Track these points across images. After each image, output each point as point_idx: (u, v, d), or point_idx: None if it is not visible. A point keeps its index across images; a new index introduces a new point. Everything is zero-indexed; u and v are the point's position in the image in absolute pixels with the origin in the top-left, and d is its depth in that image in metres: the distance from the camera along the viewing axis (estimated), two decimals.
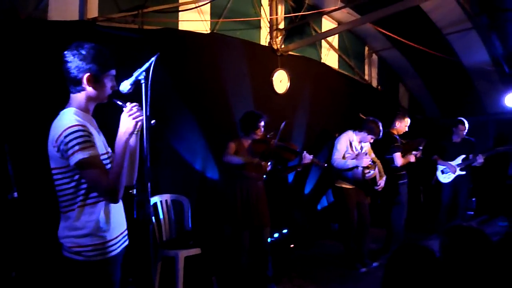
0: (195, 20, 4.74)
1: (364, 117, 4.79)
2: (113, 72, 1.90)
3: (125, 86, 1.86)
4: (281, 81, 5.63)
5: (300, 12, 5.64)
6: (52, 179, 1.84)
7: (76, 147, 1.70)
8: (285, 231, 4.82)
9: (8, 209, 2.83)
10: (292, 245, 4.80)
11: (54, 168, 1.81)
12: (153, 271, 3.65)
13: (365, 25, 5.88)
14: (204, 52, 4.80)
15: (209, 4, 4.84)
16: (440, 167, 5.68)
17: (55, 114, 1.85)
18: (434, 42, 6.27)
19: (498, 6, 5.98)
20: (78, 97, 1.87)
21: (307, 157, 4.01)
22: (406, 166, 5.02)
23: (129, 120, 1.81)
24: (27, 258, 3.21)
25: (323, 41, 6.42)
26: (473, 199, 6.92)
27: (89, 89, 1.84)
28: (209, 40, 4.86)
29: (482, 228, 1.85)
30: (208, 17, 4.91)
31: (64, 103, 1.89)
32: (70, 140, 1.71)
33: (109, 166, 1.88)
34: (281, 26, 5.62)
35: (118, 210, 1.97)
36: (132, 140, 1.97)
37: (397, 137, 5.03)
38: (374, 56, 7.65)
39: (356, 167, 4.51)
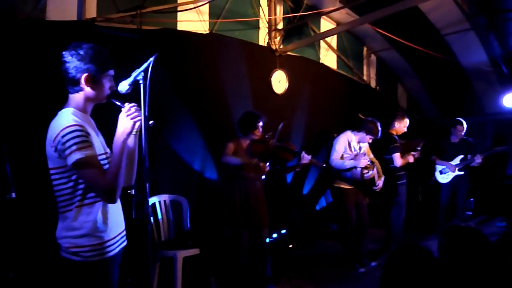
0: (193, 20, 4.74)
1: (363, 117, 4.79)
2: (112, 72, 1.90)
3: (124, 86, 1.85)
4: (279, 82, 5.63)
5: (298, 12, 5.64)
6: (50, 179, 1.84)
7: (74, 147, 1.70)
8: (283, 231, 4.83)
9: (6, 210, 2.82)
10: (290, 246, 4.80)
11: (52, 168, 1.81)
12: (152, 272, 3.65)
13: (363, 25, 5.88)
14: (203, 53, 4.80)
15: (207, 4, 4.84)
16: (439, 168, 5.68)
17: (54, 114, 1.85)
18: (433, 42, 6.28)
19: (496, 7, 6.00)
20: (76, 98, 1.87)
21: (306, 158, 4.01)
22: (404, 166, 5.03)
23: (127, 120, 1.81)
24: (25, 259, 3.21)
25: (321, 41, 6.42)
26: (471, 199, 6.93)
27: (87, 89, 1.84)
28: (208, 41, 4.86)
29: (480, 229, 1.85)
30: (206, 17, 4.90)
31: (62, 103, 1.89)
32: (68, 140, 1.71)
33: (107, 166, 1.88)
34: (280, 26, 5.63)
35: (116, 211, 1.97)
36: (131, 141, 1.96)
37: (396, 138, 5.04)
38: (373, 57, 7.66)
39: (355, 167, 4.51)
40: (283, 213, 5.32)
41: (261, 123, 3.91)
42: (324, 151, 5.82)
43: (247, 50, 5.26)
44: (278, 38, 5.59)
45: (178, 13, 4.64)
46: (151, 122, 1.84)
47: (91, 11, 3.94)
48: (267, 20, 5.56)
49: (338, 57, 6.82)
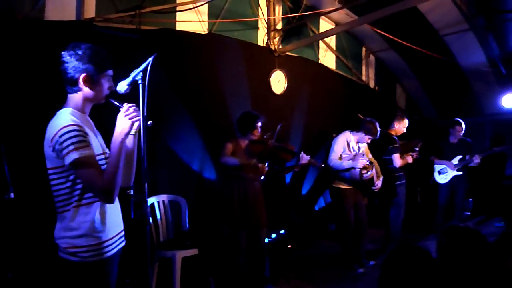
0: (192, 20, 4.74)
1: (363, 118, 4.80)
2: (110, 72, 1.90)
3: (122, 86, 1.85)
4: (278, 82, 5.64)
5: (297, 12, 5.64)
6: (48, 179, 1.84)
7: (71, 147, 1.70)
8: (282, 231, 4.83)
9: (4, 210, 2.81)
10: (289, 246, 4.80)
11: (50, 168, 1.81)
12: (150, 272, 3.65)
13: (362, 26, 5.89)
14: (202, 53, 4.80)
15: (206, 4, 4.84)
16: (437, 168, 5.69)
17: (52, 114, 1.85)
18: (431, 43, 6.29)
19: (495, 8, 6.01)
20: (75, 98, 1.87)
21: (305, 158, 4.01)
22: (403, 167, 5.04)
23: (125, 120, 1.81)
24: (24, 259, 3.20)
25: (320, 42, 6.43)
26: (470, 199, 6.94)
27: (86, 90, 1.84)
28: (207, 41, 4.86)
29: (479, 229, 1.85)
30: (205, 17, 4.90)
31: (61, 103, 1.89)
32: (65, 140, 1.71)
33: (105, 166, 1.88)
34: (279, 26, 5.63)
35: (114, 211, 1.96)
36: (130, 142, 1.96)
37: (396, 138, 5.05)
38: (372, 57, 7.67)
39: (353, 168, 4.51)
40: (282, 213, 5.32)
41: (259, 123, 3.91)
42: (323, 151, 5.82)
43: (246, 50, 5.26)
44: (277, 38, 5.59)
45: (177, 13, 4.64)
46: (149, 122, 1.83)
47: (90, 11, 3.94)
48: (266, 21, 5.56)
49: (337, 57, 6.82)
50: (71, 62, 1.79)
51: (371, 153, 4.89)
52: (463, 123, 5.55)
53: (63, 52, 1.81)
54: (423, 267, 1.56)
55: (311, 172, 6.04)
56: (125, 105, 1.84)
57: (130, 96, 1.88)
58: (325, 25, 6.35)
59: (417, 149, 5.14)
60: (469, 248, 1.77)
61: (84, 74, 1.81)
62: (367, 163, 4.53)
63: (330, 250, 5.44)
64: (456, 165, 5.53)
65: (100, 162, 1.83)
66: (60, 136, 1.71)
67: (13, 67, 3.37)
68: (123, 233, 2.04)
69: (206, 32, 4.91)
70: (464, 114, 6.33)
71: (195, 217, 4.27)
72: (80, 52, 1.80)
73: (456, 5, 5.46)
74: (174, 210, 4.08)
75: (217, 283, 3.94)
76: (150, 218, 3.80)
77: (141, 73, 1.83)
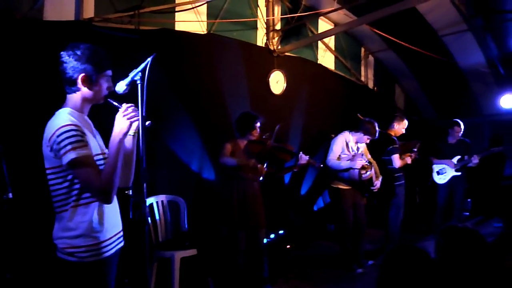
0: (191, 20, 4.74)
1: (362, 118, 4.80)
2: (109, 72, 1.90)
3: (121, 86, 1.85)
4: (277, 82, 5.64)
5: (296, 13, 5.65)
6: (46, 179, 1.84)
7: (68, 147, 1.70)
8: (281, 232, 4.82)
9: (3, 210, 2.81)
10: (288, 246, 4.79)
11: (48, 168, 1.81)
12: (149, 272, 3.64)
13: (361, 26, 5.89)
14: (201, 53, 4.80)
15: (205, 4, 4.84)
16: (436, 168, 5.70)
17: (51, 114, 1.85)
18: (430, 43, 6.30)
19: (493, 8, 6.01)
20: (74, 98, 1.87)
21: (303, 158, 4.01)
22: (402, 167, 5.04)
23: (123, 120, 1.81)
24: (22, 260, 3.20)
25: (319, 42, 6.43)
26: (469, 200, 6.95)
27: (84, 90, 1.84)
28: (206, 41, 4.86)
29: (477, 229, 1.85)
30: (204, 17, 4.90)
31: (60, 103, 1.89)
32: (62, 140, 1.71)
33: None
34: (278, 27, 5.63)
35: (113, 211, 1.96)
36: (129, 142, 1.96)
37: (396, 139, 5.05)
38: (371, 58, 7.67)
39: (351, 168, 4.51)
40: (281, 214, 5.32)
41: (258, 124, 3.91)
42: (322, 151, 5.82)
43: (245, 50, 5.26)
44: (276, 38, 5.59)
45: (176, 14, 4.64)
46: (148, 122, 1.83)
47: (89, 11, 3.93)
48: (265, 21, 5.56)
49: (335, 57, 6.82)
50: (69, 62, 1.80)
51: (371, 154, 4.89)
52: (461, 123, 5.56)
53: (62, 52, 1.81)
54: (421, 268, 1.56)
55: (310, 172, 6.04)
56: (124, 105, 1.83)
57: (129, 96, 1.88)
58: (324, 25, 6.36)
59: (415, 149, 5.15)
60: (468, 249, 1.77)
61: (83, 74, 1.81)
62: (366, 163, 4.53)
63: (329, 250, 5.44)
64: (454, 165, 5.54)
65: (98, 162, 1.82)
66: (58, 136, 1.71)
67: (11, 67, 3.36)
68: (121, 233, 2.04)
69: (205, 32, 4.91)
70: (463, 115, 6.34)
71: (194, 218, 4.27)
72: (78, 52, 1.80)
73: (454, 5, 5.46)
74: (173, 210, 4.08)
75: (216, 284, 3.94)
76: (149, 218, 3.80)
77: (140, 73, 1.83)
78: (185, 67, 4.62)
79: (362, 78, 7.49)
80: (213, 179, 4.81)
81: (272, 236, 4.67)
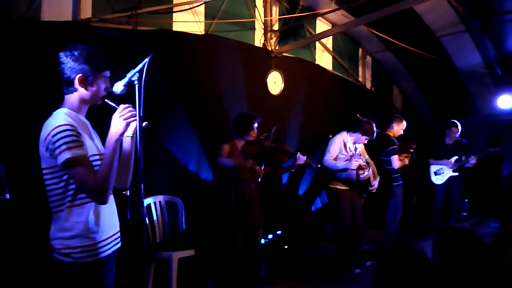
0: (189, 21, 4.73)
1: (361, 118, 4.81)
2: (107, 73, 1.90)
3: (118, 87, 1.85)
4: (275, 83, 5.64)
5: (294, 13, 5.65)
6: (43, 180, 1.83)
7: (63, 146, 1.70)
8: (279, 232, 4.82)
9: (0, 211, 2.80)
10: (286, 246, 4.79)
11: (44, 168, 1.81)
12: (147, 273, 3.64)
13: (359, 27, 5.91)
14: (198, 53, 4.79)
15: (203, 5, 4.84)
16: (433, 169, 5.71)
17: (48, 114, 1.85)
18: (428, 44, 6.31)
19: (491, 9, 6.03)
20: (71, 98, 1.87)
21: (301, 158, 4.02)
22: (400, 168, 5.05)
23: (119, 121, 1.81)
24: (19, 261, 3.18)
25: (317, 42, 6.43)
26: (466, 200, 6.97)
27: (82, 90, 1.84)
28: (203, 41, 4.85)
29: (475, 229, 1.86)
30: (202, 18, 4.90)
31: (58, 104, 1.89)
32: (58, 140, 1.71)
33: None
34: (275, 27, 5.63)
35: (110, 212, 1.96)
36: (127, 144, 1.96)
37: (395, 140, 5.06)
38: (368, 58, 7.69)
39: (347, 168, 4.52)
40: (279, 214, 5.32)
41: (256, 124, 3.91)
42: (319, 152, 5.82)
43: (242, 51, 5.26)
44: (274, 39, 5.59)
45: (174, 14, 4.63)
46: (144, 123, 1.83)
47: (86, 12, 3.93)
48: (263, 21, 5.56)
49: (333, 58, 6.83)
50: (67, 62, 1.80)
51: (369, 154, 4.90)
52: (459, 124, 5.58)
53: (60, 53, 1.82)
54: (418, 268, 1.56)
55: (308, 172, 6.04)
56: (121, 106, 1.83)
57: (127, 96, 1.87)
58: (321, 26, 6.36)
59: (412, 150, 5.17)
60: (465, 249, 1.78)
61: (80, 75, 1.81)
62: (364, 163, 4.54)
63: (327, 250, 5.45)
64: (452, 165, 5.55)
65: (95, 163, 1.82)
66: (53, 136, 1.71)
67: (8, 67, 3.35)
68: (119, 234, 2.03)
69: (203, 32, 4.90)
70: (460, 115, 6.36)
71: (192, 218, 4.27)
72: (76, 53, 1.80)
73: (452, 6, 5.48)
74: (170, 210, 4.07)
75: (213, 284, 3.94)
76: (147, 219, 3.81)
77: (137, 73, 1.83)
78: (183, 68, 4.62)
79: (360, 79, 7.51)
80: (211, 180, 4.81)
81: (270, 236, 4.66)
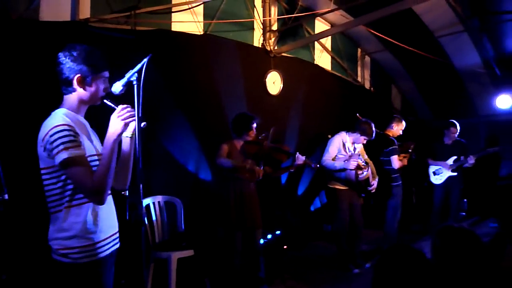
0: (188, 21, 4.73)
1: (361, 118, 4.81)
2: (106, 74, 1.90)
3: (117, 87, 1.85)
4: (274, 83, 5.64)
5: (293, 13, 5.65)
6: (41, 180, 1.83)
7: (61, 147, 1.70)
8: (278, 232, 4.83)
9: None
10: (285, 247, 4.80)
11: (43, 168, 1.81)
12: (146, 273, 3.64)
13: (358, 27, 5.91)
14: (197, 53, 4.79)
15: (202, 5, 4.83)
16: (432, 169, 5.72)
17: (47, 115, 1.85)
18: (426, 44, 6.32)
19: (489, 9, 6.04)
20: (70, 98, 1.87)
21: (300, 158, 4.02)
22: (400, 168, 5.06)
23: (117, 121, 1.81)
24: (18, 261, 3.18)
25: (316, 42, 6.44)
26: (465, 200, 6.98)
27: (80, 90, 1.85)
28: (202, 41, 4.85)
29: (473, 229, 1.86)
30: (201, 18, 4.90)
31: (57, 104, 1.89)
32: (55, 140, 1.71)
33: None
34: (274, 27, 5.63)
35: (109, 212, 1.95)
36: (126, 145, 1.95)
37: (395, 140, 5.06)
38: (367, 58, 7.69)
39: (345, 168, 4.52)
40: (278, 214, 5.32)
41: (255, 124, 3.91)
42: (318, 152, 5.82)
43: (241, 51, 5.26)
44: (273, 39, 5.59)
45: (173, 14, 4.63)
46: (143, 124, 1.83)
47: (85, 12, 3.92)
48: (262, 21, 5.56)
49: (332, 58, 6.84)
50: (66, 63, 1.80)
51: (368, 154, 4.90)
52: (457, 124, 5.59)
53: (59, 53, 1.82)
54: (416, 268, 1.56)
55: (307, 172, 6.04)
56: (119, 107, 1.83)
57: (125, 97, 1.87)
58: (320, 26, 6.37)
59: (410, 150, 5.18)
60: (464, 249, 1.78)
61: (78, 75, 1.81)
62: (363, 163, 4.54)
63: (326, 251, 5.45)
64: (450, 165, 5.56)
65: (93, 163, 1.82)
66: (51, 136, 1.71)
67: (7, 68, 3.35)
68: (117, 234, 2.03)
69: (202, 33, 4.90)
70: (459, 115, 6.37)
71: (191, 218, 4.27)
72: (75, 53, 1.81)
73: (451, 6, 5.49)
74: (169, 211, 4.07)
75: (212, 284, 3.94)
76: (146, 219, 3.80)
77: (136, 73, 1.83)
78: (182, 68, 4.61)
79: (359, 79, 7.51)
80: (210, 180, 4.81)
81: (269, 236, 4.67)
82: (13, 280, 3.05)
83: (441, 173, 5.63)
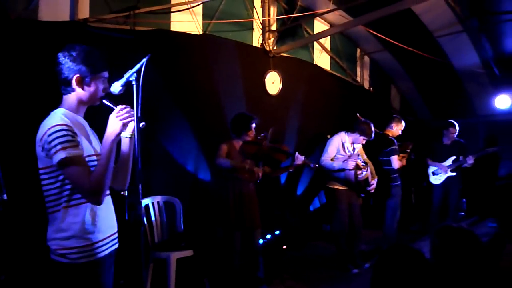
0: (187, 21, 4.73)
1: (362, 118, 4.81)
2: (106, 74, 1.90)
3: (116, 87, 1.85)
4: (273, 83, 5.64)
5: (292, 13, 5.65)
6: (39, 180, 1.83)
7: (59, 146, 1.70)
8: (277, 232, 4.83)
9: None
10: (284, 247, 4.80)
11: (41, 168, 1.81)
12: (145, 273, 3.64)
13: (357, 27, 5.90)
14: (196, 54, 4.79)
15: (201, 5, 4.83)
16: (431, 169, 5.72)
17: (46, 115, 1.84)
18: (425, 44, 6.33)
19: (488, 9, 6.05)
20: (69, 98, 1.87)
21: (299, 158, 4.02)
22: (399, 168, 5.06)
23: (116, 121, 1.81)
24: (17, 262, 3.18)
25: (315, 42, 6.44)
26: (464, 200, 6.99)
27: (79, 90, 1.85)
28: (201, 41, 4.85)
29: (472, 229, 1.86)
30: (200, 18, 4.90)
31: (56, 104, 1.89)
32: (53, 139, 1.71)
33: None
34: (274, 27, 5.63)
35: (107, 212, 1.95)
36: (125, 145, 1.95)
37: (395, 140, 5.07)
38: (366, 58, 7.70)
39: (344, 169, 4.52)
40: (277, 214, 5.32)
41: (254, 124, 3.91)
42: (317, 152, 5.82)
43: (240, 51, 5.26)
44: (272, 39, 5.59)
45: (172, 14, 4.63)
46: (142, 124, 1.83)
47: (84, 12, 3.92)
48: (261, 21, 5.56)
49: (331, 58, 6.84)
50: (65, 63, 1.81)
51: (367, 154, 4.90)
52: (456, 124, 5.60)
53: (59, 53, 1.83)
54: (415, 268, 1.56)
55: (306, 172, 6.04)
56: (118, 107, 1.83)
57: (124, 96, 1.87)
58: (319, 26, 6.37)
59: (408, 150, 5.19)
60: (463, 248, 1.78)
61: (77, 75, 1.81)
62: (362, 163, 4.54)
63: (325, 251, 5.45)
64: (449, 166, 5.57)
65: (91, 164, 1.82)
66: (49, 136, 1.72)
67: (6, 68, 3.34)
68: (116, 234, 2.02)
69: (201, 33, 4.90)
70: (458, 115, 6.38)
71: (190, 218, 4.27)
72: (74, 54, 1.81)
73: (450, 7, 5.49)
74: (168, 211, 4.07)
75: (212, 284, 3.94)
76: (145, 219, 3.80)
77: (135, 73, 1.83)
78: (181, 68, 4.61)
79: (358, 79, 7.51)
80: (209, 180, 4.80)
81: (268, 236, 4.67)
82: (12, 280, 3.05)
83: (440, 173, 5.63)
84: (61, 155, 1.69)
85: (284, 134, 5.71)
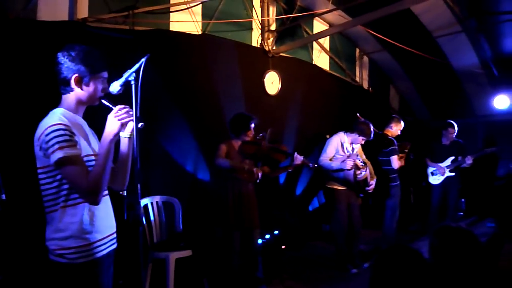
0: (186, 21, 4.73)
1: (361, 118, 4.81)
2: (105, 74, 1.90)
3: (115, 87, 1.85)
4: (272, 83, 5.64)
5: (291, 14, 5.65)
6: (38, 179, 1.83)
7: (56, 146, 1.70)
8: (276, 232, 4.83)
9: None
10: (283, 246, 4.80)
11: (39, 167, 1.80)
12: (144, 273, 3.63)
13: (356, 27, 5.91)
14: (195, 53, 4.79)
15: (200, 5, 4.83)
16: (430, 169, 5.73)
17: (45, 114, 1.84)
18: (424, 44, 6.33)
19: (487, 10, 6.06)
20: (68, 98, 1.87)
21: (298, 158, 4.02)
22: (398, 168, 5.06)
23: (114, 121, 1.80)
24: (15, 262, 3.17)
25: (314, 43, 6.44)
26: (463, 200, 7.00)
27: (78, 90, 1.85)
28: (200, 41, 4.85)
29: (471, 229, 1.86)
30: (199, 18, 4.90)
31: (55, 103, 1.89)
32: (51, 139, 1.71)
33: None
34: (273, 27, 5.63)
35: (106, 212, 1.95)
36: (124, 146, 1.95)
37: (394, 140, 5.07)
38: (365, 58, 7.70)
39: (342, 169, 4.52)
40: (276, 214, 5.32)
41: (253, 124, 3.91)
42: (316, 152, 5.82)
43: (240, 51, 5.26)
44: (271, 39, 5.59)
45: (171, 14, 4.63)
46: (140, 124, 1.83)
47: (83, 11, 3.91)
48: (260, 21, 5.56)
49: (330, 58, 6.84)
50: (64, 62, 1.81)
51: (366, 154, 4.90)
52: (455, 125, 5.60)
53: (58, 53, 1.83)
54: (414, 267, 1.56)
55: (305, 173, 6.05)
56: (117, 107, 1.83)
57: (123, 96, 1.87)
58: (319, 26, 6.37)
59: (406, 151, 5.19)
60: (462, 248, 1.78)
61: (76, 75, 1.81)
62: (361, 164, 4.55)
63: (324, 251, 5.45)
64: (448, 166, 5.57)
65: (89, 163, 1.81)
66: (47, 135, 1.72)
67: (5, 67, 3.34)
68: (115, 234, 2.02)
69: (200, 33, 4.90)
70: (457, 116, 6.39)
71: (189, 218, 4.26)
72: (73, 53, 1.81)
73: (449, 7, 5.50)
74: (167, 211, 4.06)
75: (211, 284, 3.93)
76: (144, 219, 3.79)
77: (134, 73, 1.83)
78: (180, 68, 4.61)
79: (357, 79, 7.52)
80: (208, 180, 4.80)
81: (267, 236, 4.67)
82: (10, 280, 3.04)
83: (438, 174, 5.64)
84: (59, 154, 1.69)
85: (283, 134, 5.71)
